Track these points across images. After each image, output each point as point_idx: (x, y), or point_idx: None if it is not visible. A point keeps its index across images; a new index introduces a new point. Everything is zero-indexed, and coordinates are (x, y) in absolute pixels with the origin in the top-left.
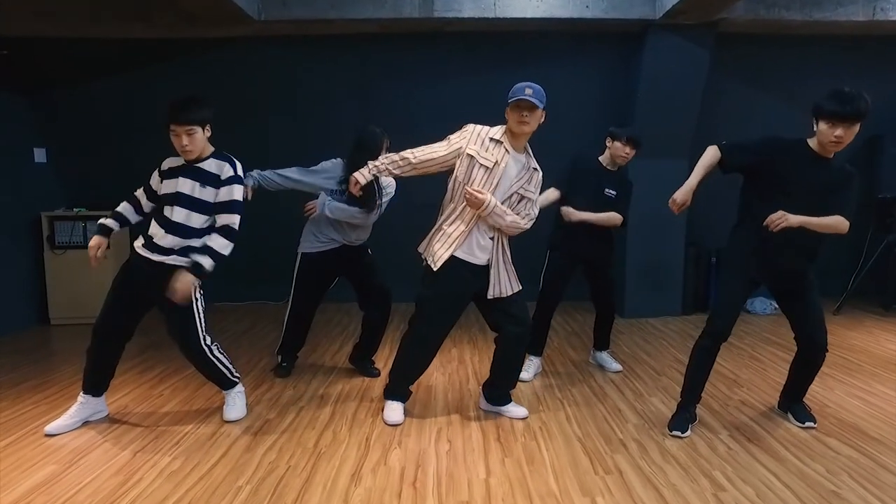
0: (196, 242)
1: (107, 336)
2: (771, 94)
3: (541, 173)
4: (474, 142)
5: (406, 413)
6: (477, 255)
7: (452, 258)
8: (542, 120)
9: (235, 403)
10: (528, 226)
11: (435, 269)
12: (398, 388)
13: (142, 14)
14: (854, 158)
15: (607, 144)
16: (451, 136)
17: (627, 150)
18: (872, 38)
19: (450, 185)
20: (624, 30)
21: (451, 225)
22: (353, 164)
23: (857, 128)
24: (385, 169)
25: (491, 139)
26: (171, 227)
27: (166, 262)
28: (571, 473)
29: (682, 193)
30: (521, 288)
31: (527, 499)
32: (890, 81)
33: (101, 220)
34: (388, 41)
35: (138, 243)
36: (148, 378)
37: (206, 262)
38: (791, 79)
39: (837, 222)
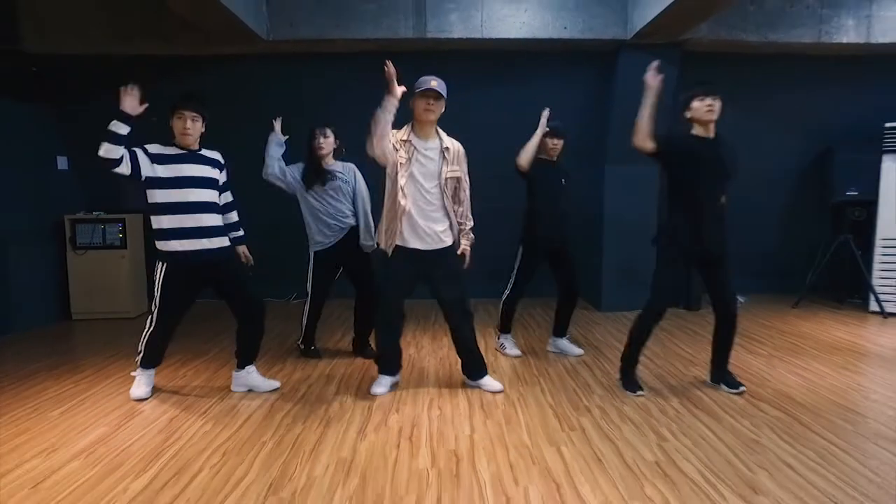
0: (219, 218)
1: (168, 330)
2: (734, 105)
3: (457, 147)
4: (397, 140)
5: (396, 387)
6: (423, 239)
7: (398, 246)
8: (443, 110)
9: (256, 380)
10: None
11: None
12: (379, 362)
13: (162, 33)
14: (809, 167)
15: (542, 142)
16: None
17: (554, 141)
18: (820, 58)
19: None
20: (599, 48)
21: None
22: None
23: (719, 101)
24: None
25: (402, 141)
26: (205, 207)
27: (215, 245)
28: (542, 430)
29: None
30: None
31: (504, 448)
32: (839, 97)
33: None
34: (385, 58)
35: (178, 246)
36: (170, 363)
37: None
38: (752, 93)
39: None
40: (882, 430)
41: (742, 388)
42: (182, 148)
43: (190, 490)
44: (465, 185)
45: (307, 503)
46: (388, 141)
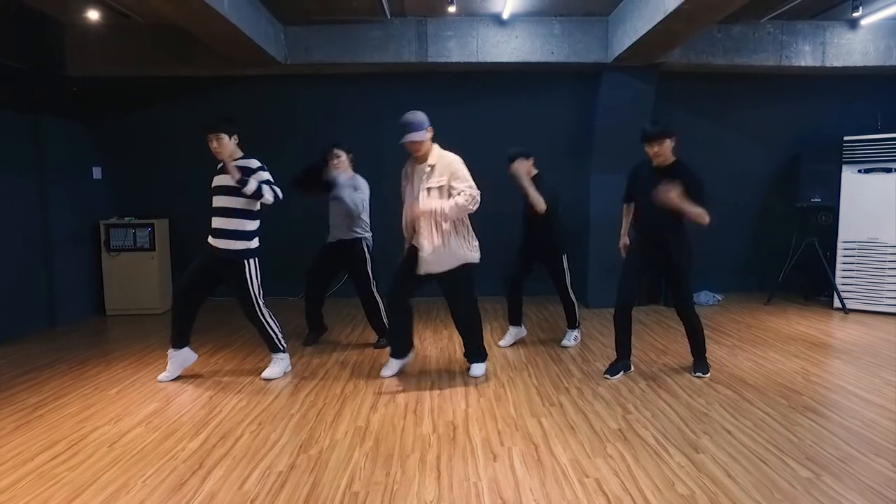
0: (230, 221)
1: (182, 303)
2: (705, 119)
3: (448, 159)
4: (403, 179)
5: (405, 368)
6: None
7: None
8: (431, 135)
9: (275, 365)
10: (471, 198)
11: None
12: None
13: (188, 58)
14: (778, 173)
15: None
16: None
17: (515, 164)
18: (782, 77)
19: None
20: (583, 70)
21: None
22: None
23: (666, 143)
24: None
25: (406, 168)
26: (217, 211)
27: (220, 245)
28: (526, 405)
29: (622, 244)
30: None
31: (493, 419)
32: (802, 110)
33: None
34: (390, 80)
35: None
36: (203, 351)
37: (254, 185)
38: (720, 108)
39: (700, 213)
40: (811, 404)
41: (699, 375)
42: (221, 161)
43: (236, 449)
44: (459, 187)
45: (332, 458)
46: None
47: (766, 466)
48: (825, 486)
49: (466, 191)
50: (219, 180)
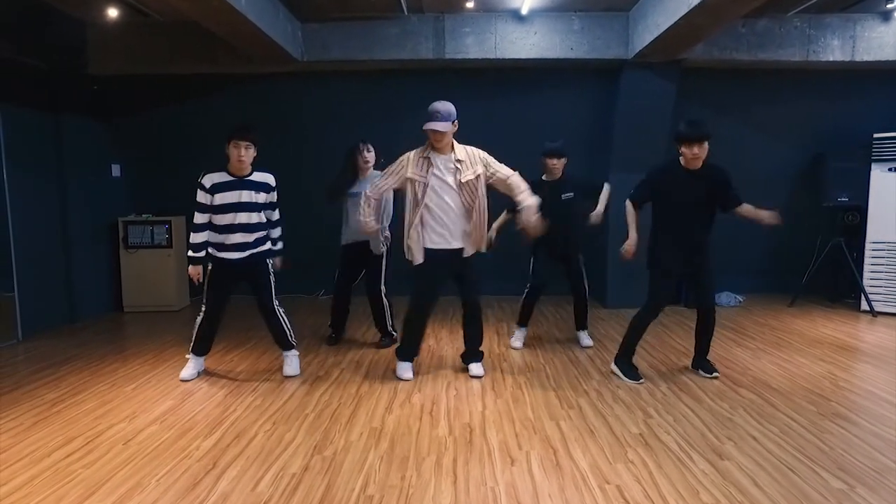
0: (254, 235)
1: (214, 318)
2: (728, 117)
3: (475, 151)
4: (412, 166)
5: (417, 372)
6: (448, 240)
7: (425, 249)
8: (455, 129)
9: (292, 362)
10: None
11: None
12: (402, 350)
13: (207, 56)
14: (803, 171)
15: (543, 162)
16: (391, 169)
17: (553, 161)
18: (808, 73)
19: (409, 199)
20: (603, 67)
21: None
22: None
23: (706, 145)
24: (369, 201)
25: (421, 158)
26: (243, 228)
27: (250, 254)
28: (544, 408)
29: (631, 247)
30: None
31: (511, 422)
32: (828, 107)
33: (193, 255)
34: (407, 76)
35: (220, 254)
36: (218, 350)
37: (280, 244)
38: (743, 105)
39: (749, 211)
40: (841, 410)
41: (716, 374)
42: (234, 175)
43: (250, 448)
44: (502, 173)
45: (346, 460)
46: (383, 192)
47: (794, 475)
48: (859, 497)
49: (516, 176)
50: (242, 196)
